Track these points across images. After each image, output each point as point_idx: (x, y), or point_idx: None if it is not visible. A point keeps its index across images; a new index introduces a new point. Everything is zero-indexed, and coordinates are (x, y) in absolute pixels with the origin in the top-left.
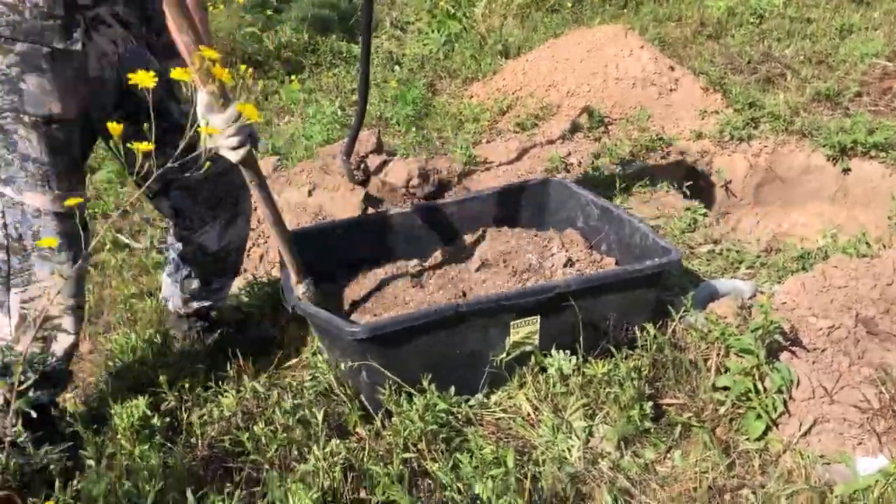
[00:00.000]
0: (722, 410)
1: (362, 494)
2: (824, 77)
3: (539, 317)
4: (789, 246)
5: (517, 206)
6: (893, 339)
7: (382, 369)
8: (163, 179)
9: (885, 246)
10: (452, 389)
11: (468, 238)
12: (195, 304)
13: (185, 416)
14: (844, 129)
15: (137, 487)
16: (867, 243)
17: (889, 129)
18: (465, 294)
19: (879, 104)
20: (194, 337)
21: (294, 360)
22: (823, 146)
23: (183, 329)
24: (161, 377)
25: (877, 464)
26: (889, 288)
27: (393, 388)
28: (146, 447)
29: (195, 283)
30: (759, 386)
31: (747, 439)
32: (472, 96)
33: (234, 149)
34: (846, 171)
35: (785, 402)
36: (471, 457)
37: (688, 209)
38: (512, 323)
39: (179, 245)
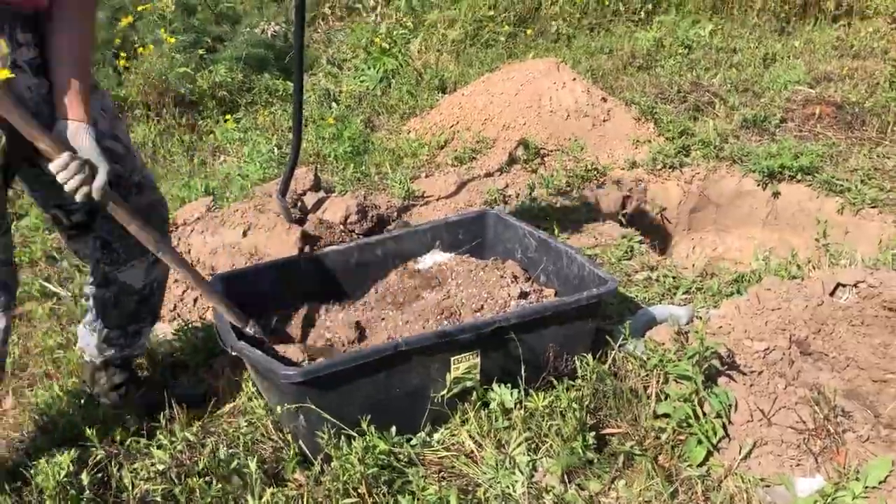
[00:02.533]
0: (664, 438)
1: None
2: (751, 104)
3: (479, 351)
4: (724, 270)
5: (455, 238)
6: (825, 358)
7: (320, 412)
8: (87, 210)
9: (814, 267)
10: (394, 429)
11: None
12: (110, 353)
13: (114, 470)
14: (772, 154)
15: None
16: (798, 265)
17: (813, 154)
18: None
19: (804, 129)
20: (114, 395)
21: (230, 406)
22: (753, 171)
23: (101, 384)
24: (88, 430)
25: (815, 484)
26: (819, 308)
27: (332, 430)
28: None
29: (112, 330)
30: (699, 411)
31: (689, 465)
32: (409, 131)
33: (76, 189)
34: (776, 194)
35: (724, 427)
36: (413, 498)
37: (624, 237)
38: (453, 358)
39: (95, 288)
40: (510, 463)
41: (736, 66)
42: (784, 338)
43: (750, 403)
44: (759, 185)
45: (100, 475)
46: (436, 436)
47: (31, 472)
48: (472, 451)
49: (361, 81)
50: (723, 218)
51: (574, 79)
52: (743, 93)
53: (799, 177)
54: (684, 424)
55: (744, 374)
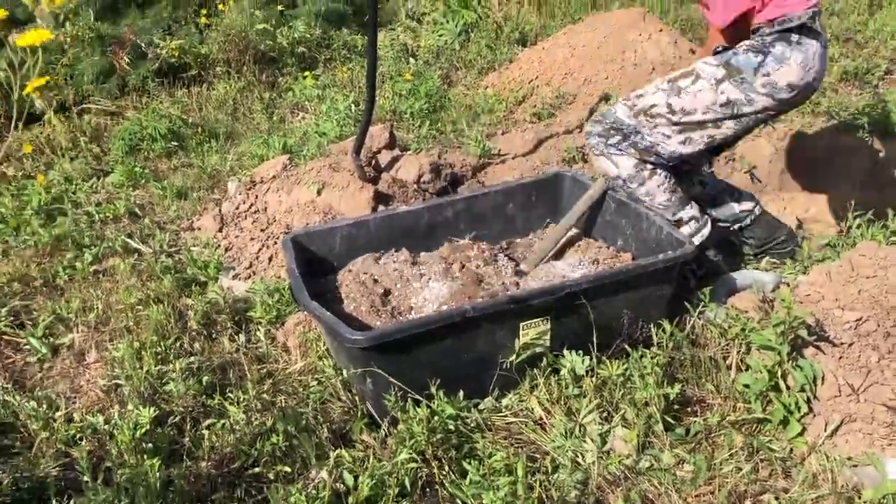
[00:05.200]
0: (744, 410)
1: None
2: (853, 55)
3: (549, 318)
4: (816, 233)
5: (528, 200)
6: None
7: (387, 376)
8: None
9: None
10: (461, 394)
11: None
12: None
13: (189, 427)
14: (873, 108)
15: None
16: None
17: None
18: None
19: None
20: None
21: (300, 364)
22: (852, 127)
23: None
24: (170, 386)
25: None
26: None
27: (399, 394)
28: (152, 462)
29: None
30: (782, 384)
31: (771, 441)
32: (487, 87)
33: None
34: (876, 152)
35: (809, 401)
36: (480, 464)
37: None
38: (521, 324)
39: None
40: (580, 431)
41: (838, 13)
42: (880, 308)
43: (838, 377)
44: (857, 141)
45: (175, 433)
46: (504, 401)
47: (111, 426)
48: (541, 418)
49: (440, 35)
50: (817, 177)
51: (661, 30)
52: (845, 42)
53: None
54: (766, 398)
55: (833, 345)
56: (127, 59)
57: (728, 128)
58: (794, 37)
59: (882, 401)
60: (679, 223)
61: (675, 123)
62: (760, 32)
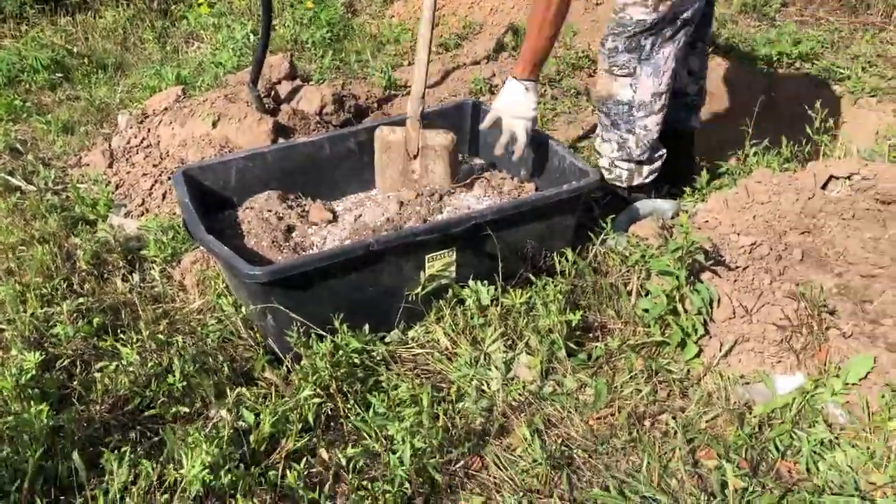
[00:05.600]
0: (643, 334)
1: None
2: None
3: (455, 249)
4: (715, 163)
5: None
6: (814, 252)
7: (289, 312)
8: None
9: (807, 159)
10: (367, 327)
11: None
12: None
13: (80, 371)
14: (771, 40)
15: (18, 453)
16: (789, 157)
17: (813, 40)
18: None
19: (805, 14)
20: None
21: (199, 303)
22: (750, 58)
23: None
24: (57, 328)
25: (794, 381)
26: (810, 201)
27: (301, 329)
28: (39, 407)
29: None
30: (680, 308)
31: (669, 363)
32: (392, 16)
33: None
34: (773, 83)
35: (705, 324)
36: (385, 396)
37: None
38: (427, 256)
39: None
40: (486, 360)
41: None
42: (773, 232)
43: (733, 300)
44: (754, 73)
45: (65, 376)
46: (410, 333)
47: None
48: (447, 348)
49: None
50: (715, 107)
51: None
52: None
53: (798, 64)
54: (665, 322)
55: (728, 269)
56: None
57: None
58: None
59: (773, 321)
60: (650, 161)
61: None
62: None
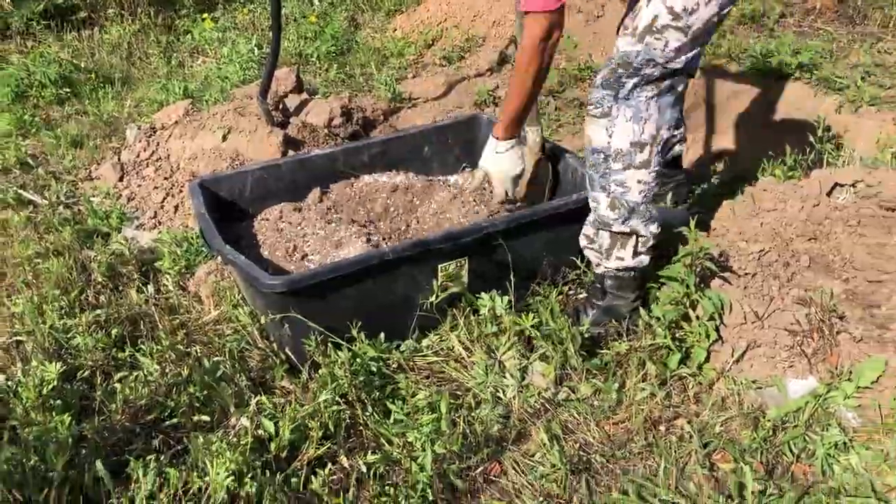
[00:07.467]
0: (656, 341)
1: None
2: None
3: (467, 259)
4: (720, 172)
5: (444, 143)
6: (821, 259)
7: (305, 321)
8: None
9: (811, 167)
10: (382, 336)
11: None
12: None
13: (100, 381)
14: (770, 50)
15: (45, 461)
16: (793, 165)
17: (812, 50)
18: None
19: (803, 24)
20: None
21: (215, 314)
22: (750, 69)
23: None
24: (76, 340)
25: (807, 385)
26: (816, 209)
27: (318, 338)
28: (62, 418)
29: None
30: (691, 314)
31: (681, 368)
32: (395, 29)
33: None
34: (773, 93)
35: (717, 329)
36: (403, 403)
37: None
38: (440, 266)
39: None
40: (500, 367)
41: None
42: (780, 239)
43: (744, 306)
44: (755, 83)
45: (86, 387)
46: (425, 342)
47: (13, 384)
48: (462, 357)
49: None
50: (719, 118)
51: None
52: None
53: (797, 74)
54: (676, 327)
55: (738, 276)
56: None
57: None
58: None
59: (783, 326)
60: (633, 233)
61: (683, 29)
62: None
